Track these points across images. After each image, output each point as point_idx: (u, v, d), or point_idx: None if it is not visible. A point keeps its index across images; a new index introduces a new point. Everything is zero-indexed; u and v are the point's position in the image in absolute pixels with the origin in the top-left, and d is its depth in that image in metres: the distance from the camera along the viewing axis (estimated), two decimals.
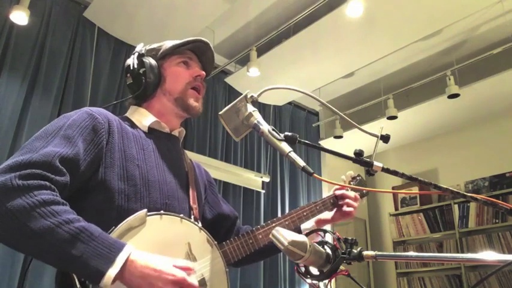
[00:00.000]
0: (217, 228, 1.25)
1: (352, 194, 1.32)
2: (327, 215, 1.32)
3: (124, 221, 0.90)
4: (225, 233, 1.28)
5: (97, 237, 0.80)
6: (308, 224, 1.31)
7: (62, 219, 0.79)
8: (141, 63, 1.15)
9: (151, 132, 1.14)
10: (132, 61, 1.17)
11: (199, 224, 1.06)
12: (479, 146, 4.24)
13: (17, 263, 2.47)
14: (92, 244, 0.78)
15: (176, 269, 0.85)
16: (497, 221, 3.85)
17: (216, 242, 1.07)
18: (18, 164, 0.83)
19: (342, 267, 0.84)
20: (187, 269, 0.87)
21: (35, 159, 0.84)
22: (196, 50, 1.23)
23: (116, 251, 0.80)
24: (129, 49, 3.41)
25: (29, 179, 0.81)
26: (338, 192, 1.33)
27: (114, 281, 0.78)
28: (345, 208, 1.31)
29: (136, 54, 1.18)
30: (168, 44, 1.20)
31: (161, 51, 1.19)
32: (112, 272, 0.77)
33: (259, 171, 4.11)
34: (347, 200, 1.31)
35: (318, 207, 1.28)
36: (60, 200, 0.83)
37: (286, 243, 0.79)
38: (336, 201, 1.32)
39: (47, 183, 0.83)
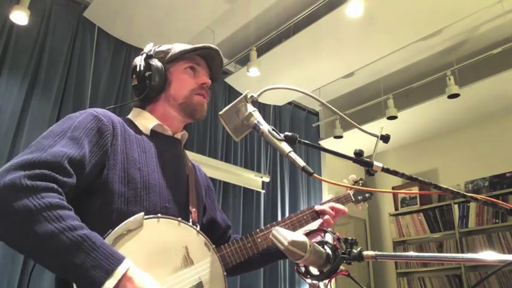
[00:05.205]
0: (209, 234, 1.26)
1: (331, 211, 1.35)
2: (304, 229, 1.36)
3: (121, 224, 0.90)
4: (216, 240, 1.27)
5: (98, 247, 0.79)
6: None
7: (66, 225, 0.79)
8: (147, 65, 1.14)
9: (154, 135, 1.13)
10: (139, 62, 1.16)
11: (198, 228, 1.06)
12: (479, 146, 4.24)
13: (17, 263, 2.47)
14: (92, 254, 0.78)
15: None
16: (497, 221, 3.85)
17: (213, 246, 1.07)
18: (27, 162, 0.82)
19: (342, 267, 0.84)
20: None
21: (44, 159, 0.84)
22: (205, 56, 1.22)
23: (116, 263, 0.79)
24: (129, 49, 3.39)
25: (37, 180, 0.81)
26: (318, 208, 1.36)
27: None
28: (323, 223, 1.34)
29: (145, 55, 1.17)
30: (176, 48, 1.18)
31: (169, 55, 1.17)
32: (109, 284, 0.77)
33: (259, 171, 4.10)
34: (326, 217, 1.34)
35: (299, 222, 1.31)
36: (66, 204, 0.83)
37: (286, 243, 0.79)
38: (316, 216, 1.35)
39: (55, 185, 0.83)
